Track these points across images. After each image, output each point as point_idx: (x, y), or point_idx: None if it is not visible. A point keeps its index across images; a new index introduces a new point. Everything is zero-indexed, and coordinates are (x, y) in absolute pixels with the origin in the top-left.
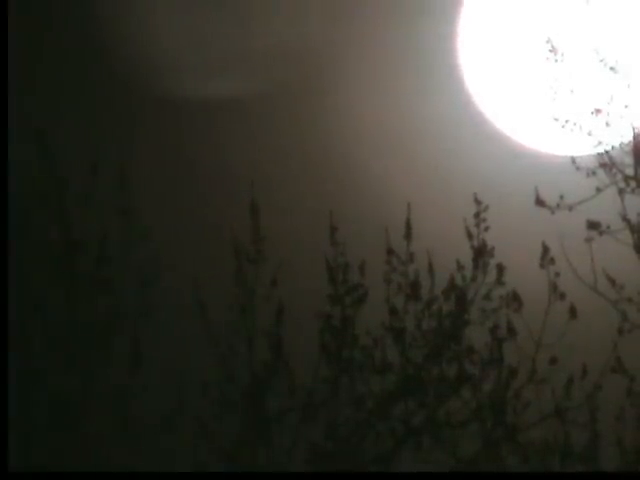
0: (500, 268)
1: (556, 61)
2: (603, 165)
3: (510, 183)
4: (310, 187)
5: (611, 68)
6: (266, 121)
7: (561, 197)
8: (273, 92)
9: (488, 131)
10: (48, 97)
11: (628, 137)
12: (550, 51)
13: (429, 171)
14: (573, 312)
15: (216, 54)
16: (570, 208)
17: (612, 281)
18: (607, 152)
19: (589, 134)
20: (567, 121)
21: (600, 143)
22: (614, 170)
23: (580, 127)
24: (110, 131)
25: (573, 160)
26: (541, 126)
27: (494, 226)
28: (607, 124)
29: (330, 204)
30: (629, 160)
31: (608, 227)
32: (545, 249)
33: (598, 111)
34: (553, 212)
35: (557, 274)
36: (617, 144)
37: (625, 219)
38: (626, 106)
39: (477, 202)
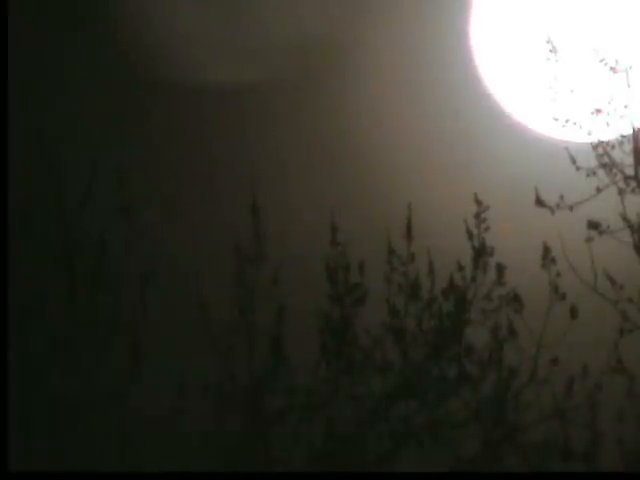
0: (500, 268)
1: (556, 61)
2: (603, 165)
3: (510, 183)
4: (311, 186)
5: (611, 68)
6: (267, 120)
7: (561, 197)
8: (274, 90)
9: (489, 131)
10: (48, 96)
11: (628, 137)
12: (550, 51)
13: (431, 170)
14: (574, 312)
15: (220, 47)
16: (570, 208)
17: (612, 281)
18: (607, 152)
19: (589, 134)
20: (567, 121)
21: (600, 143)
22: (614, 170)
23: (580, 127)
24: (109, 130)
25: (573, 160)
26: (542, 125)
27: (494, 226)
28: (607, 124)
29: (331, 204)
30: (629, 160)
31: (608, 227)
32: (546, 249)
33: (598, 111)
34: (553, 212)
35: (558, 274)
36: (617, 144)
37: (625, 219)
38: (626, 106)
39: (477, 202)
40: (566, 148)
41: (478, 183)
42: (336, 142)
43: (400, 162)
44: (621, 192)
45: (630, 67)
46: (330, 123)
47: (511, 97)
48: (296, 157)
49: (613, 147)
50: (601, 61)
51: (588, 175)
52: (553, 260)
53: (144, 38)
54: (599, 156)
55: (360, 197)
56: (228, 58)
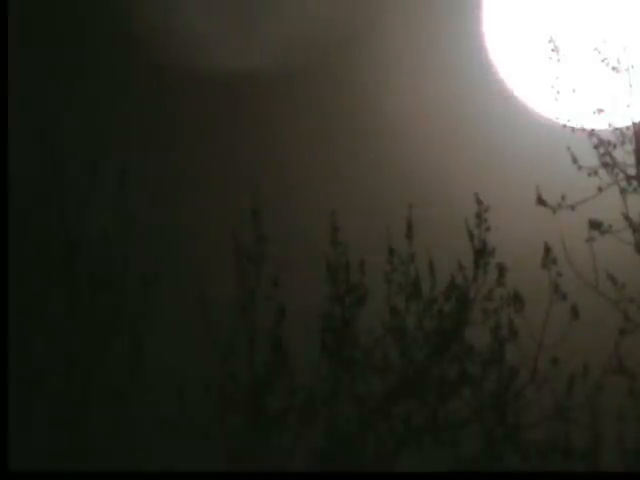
0: (501, 268)
1: (558, 61)
2: (605, 165)
3: (511, 183)
4: (312, 187)
5: (613, 68)
6: (267, 121)
7: (563, 197)
8: (275, 89)
9: (490, 131)
10: (48, 96)
11: (630, 137)
12: (552, 50)
13: (432, 170)
14: (575, 312)
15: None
16: (572, 208)
17: (614, 281)
18: (609, 151)
19: (591, 134)
20: (569, 121)
21: (602, 143)
22: (616, 170)
23: (582, 126)
24: (110, 131)
25: (575, 160)
26: (543, 125)
27: (495, 226)
28: (609, 124)
29: (332, 204)
30: (631, 160)
31: (610, 227)
32: (547, 249)
33: (600, 111)
34: (555, 212)
35: (559, 274)
36: (619, 144)
37: (627, 219)
38: (628, 105)
39: (478, 202)
40: (568, 148)
41: (479, 183)
42: (336, 143)
43: (401, 162)
44: (623, 192)
45: (632, 67)
46: (330, 124)
47: (514, 97)
48: (296, 157)
49: (615, 147)
50: (603, 61)
51: (590, 175)
52: (554, 260)
53: (148, 36)
54: (601, 156)
55: (360, 197)
56: (233, 53)
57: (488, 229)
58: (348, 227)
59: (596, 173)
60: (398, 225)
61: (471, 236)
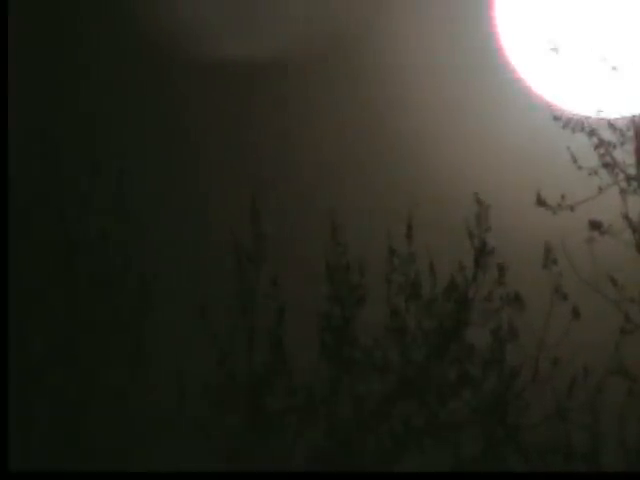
0: (501, 268)
1: (557, 60)
2: (605, 165)
3: (511, 183)
4: (311, 186)
5: (613, 67)
6: (268, 118)
7: (562, 197)
8: (274, 86)
9: (489, 131)
10: (48, 96)
11: (630, 137)
12: (552, 50)
13: (430, 170)
14: (576, 313)
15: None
16: (572, 208)
17: (614, 281)
18: (609, 152)
19: (591, 134)
20: (569, 120)
21: (602, 143)
22: (616, 170)
23: (582, 127)
24: (110, 131)
25: (575, 160)
26: (543, 125)
27: (495, 226)
28: (609, 124)
29: (331, 203)
30: (631, 160)
31: (610, 227)
32: (547, 249)
33: (600, 111)
34: (555, 212)
35: (559, 274)
36: (619, 144)
37: (627, 219)
38: (628, 106)
39: (478, 202)
40: (568, 148)
41: (479, 183)
42: (336, 143)
43: (401, 162)
44: (623, 192)
45: (632, 66)
46: (330, 124)
47: (512, 97)
48: (296, 157)
49: (615, 147)
50: (602, 61)
51: (590, 175)
52: (554, 260)
53: (149, 36)
54: (601, 156)
55: (361, 197)
56: (238, 46)
57: (488, 229)
58: (348, 227)
59: (596, 173)
60: (398, 225)
61: (471, 236)
